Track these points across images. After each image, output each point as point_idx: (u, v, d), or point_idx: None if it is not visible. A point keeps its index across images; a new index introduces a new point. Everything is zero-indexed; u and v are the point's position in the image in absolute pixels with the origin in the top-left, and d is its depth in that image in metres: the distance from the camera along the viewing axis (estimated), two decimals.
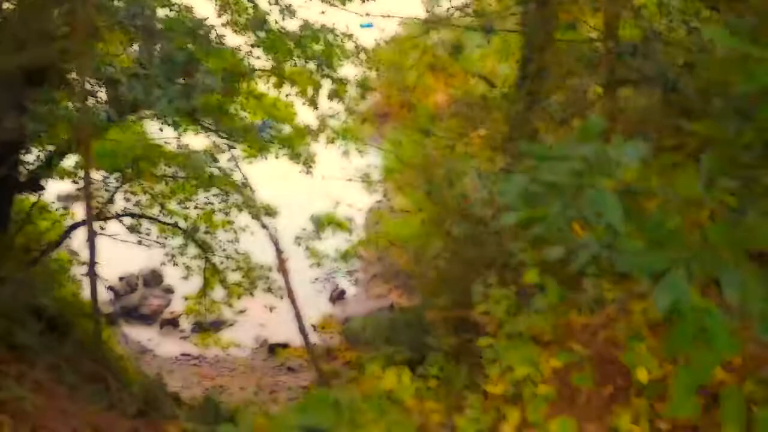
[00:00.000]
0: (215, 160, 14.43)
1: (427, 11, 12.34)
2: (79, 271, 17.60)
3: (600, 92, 7.59)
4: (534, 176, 2.95)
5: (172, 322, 20.81)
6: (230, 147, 14.61)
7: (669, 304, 2.75)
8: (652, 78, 5.56)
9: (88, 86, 11.02)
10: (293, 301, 10.47)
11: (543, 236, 3.07)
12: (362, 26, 13.84)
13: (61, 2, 9.82)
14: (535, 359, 4.02)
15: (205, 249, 15.16)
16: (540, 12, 8.23)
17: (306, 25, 12.00)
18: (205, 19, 11.92)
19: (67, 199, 16.42)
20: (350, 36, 12.30)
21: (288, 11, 11.12)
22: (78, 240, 17.77)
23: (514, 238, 6.31)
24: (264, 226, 13.44)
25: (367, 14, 12.05)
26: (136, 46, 12.31)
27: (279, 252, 11.93)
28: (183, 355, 19.87)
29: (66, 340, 9.04)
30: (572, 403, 3.68)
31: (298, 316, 9.85)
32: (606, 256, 2.75)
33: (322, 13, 12.59)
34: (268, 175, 17.37)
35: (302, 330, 9.19)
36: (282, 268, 11.68)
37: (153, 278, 21.79)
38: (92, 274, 8.57)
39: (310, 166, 14.79)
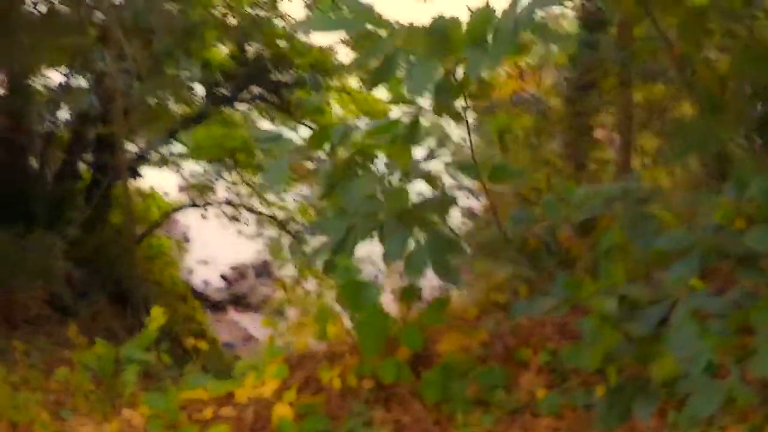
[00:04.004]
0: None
1: None
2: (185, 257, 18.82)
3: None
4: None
5: (280, 312, 21.54)
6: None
7: (323, 261, 3.03)
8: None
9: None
10: None
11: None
12: None
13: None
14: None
15: (299, 240, 15.64)
16: None
17: None
18: (293, 17, 12.43)
19: (180, 189, 17.46)
20: None
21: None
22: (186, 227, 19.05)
23: None
24: None
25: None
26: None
27: None
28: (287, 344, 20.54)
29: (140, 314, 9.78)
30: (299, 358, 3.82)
31: None
32: None
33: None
34: None
35: None
36: None
37: (264, 268, 22.59)
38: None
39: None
